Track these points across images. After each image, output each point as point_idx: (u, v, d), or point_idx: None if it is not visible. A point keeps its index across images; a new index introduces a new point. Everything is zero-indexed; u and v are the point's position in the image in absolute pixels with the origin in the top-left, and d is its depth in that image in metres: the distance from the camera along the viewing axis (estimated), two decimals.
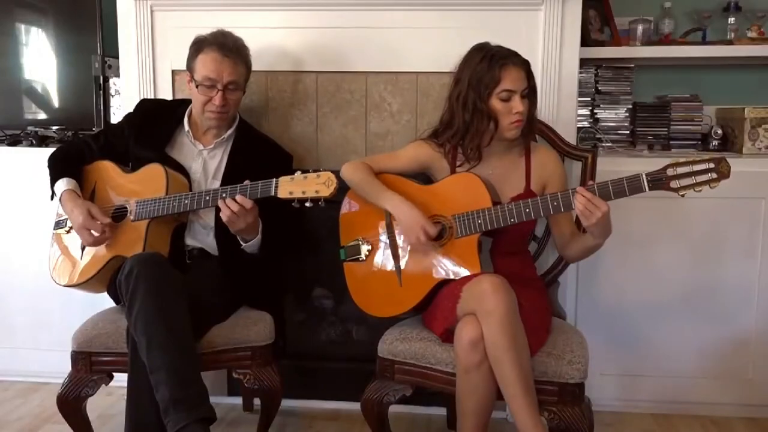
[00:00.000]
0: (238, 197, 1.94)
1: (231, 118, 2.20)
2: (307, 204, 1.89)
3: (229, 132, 2.21)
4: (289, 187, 1.90)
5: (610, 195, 1.78)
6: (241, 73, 2.14)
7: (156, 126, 2.22)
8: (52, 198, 2.20)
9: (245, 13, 2.41)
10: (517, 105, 1.89)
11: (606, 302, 2.47)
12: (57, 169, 2.20)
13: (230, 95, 2.12)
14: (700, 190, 1.74)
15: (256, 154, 2.19)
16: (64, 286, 2.17)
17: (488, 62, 1.89)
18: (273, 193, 1.91)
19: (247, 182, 1.95)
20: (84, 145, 2.27)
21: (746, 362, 2.46)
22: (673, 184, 1.75)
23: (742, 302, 2.43)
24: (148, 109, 2.29)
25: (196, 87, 2.12)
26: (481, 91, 1.89)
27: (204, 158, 2.20)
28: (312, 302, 2.65)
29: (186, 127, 2.22)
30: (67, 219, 2.19)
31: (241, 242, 2.08)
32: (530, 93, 1.94)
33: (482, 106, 1.90)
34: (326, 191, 1.87)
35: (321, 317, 2.65)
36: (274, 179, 1.92)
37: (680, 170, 1.74)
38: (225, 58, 2.08)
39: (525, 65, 1.92)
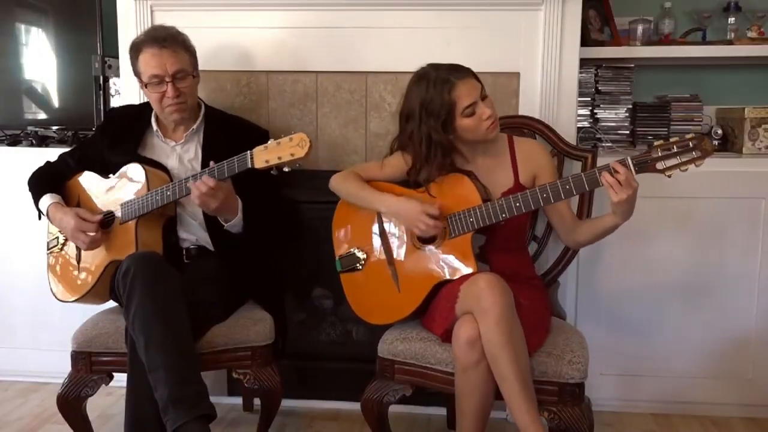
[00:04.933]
0: (204, 177, 1.94)
1: (192, 107, 2.18)
2: (286, 169, 1.89)
3: (198, 123, 2.21)
4: (264, 155, 1.89)
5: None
6: (184, 59, 2.11)
7: (126, 131, 2.23)
8: (39, 218, 2.21)
9: (245, 13, 2.41)
10: (484, 111, 1.90)
11: (606, 302, 2.47)
12: (39, 188, 2.21)
13: (180, 84, 2.10)
14: (686, 170, 1.73)
15: (230, 138, 2.16)
16: (69, 302, 2.17)
17: (434, 89, 1.88)
18: (249, 165, 1.90)
19: (211, 163, 1.95)
20: (61, 163, 2.29)
21: (746, 362, 2.46)
22: (659, 165, 1.74)
23: (742, 303, 2.43)
24: (116, 116, 2.31)
25: (146, 88, 2.12)
26: (434, 123, 1.89)
27: (178, 153, 2.21)
28: (312, 302, 2.65)
29: (154, 127, 2.22)
30: (57, 237, 2.21)
31: (223, 223, 2.07)
32: (483, 91, 1.94)
33: (439, 137, 1.90)
34: (301, 152, 1.86)
35: (321, 317, 2.64)
36: (249, 151, 1.91)
37: (664, 152, 1.74)
38: (163, 50, 2.07)
39: (468, 72, 1.92)
